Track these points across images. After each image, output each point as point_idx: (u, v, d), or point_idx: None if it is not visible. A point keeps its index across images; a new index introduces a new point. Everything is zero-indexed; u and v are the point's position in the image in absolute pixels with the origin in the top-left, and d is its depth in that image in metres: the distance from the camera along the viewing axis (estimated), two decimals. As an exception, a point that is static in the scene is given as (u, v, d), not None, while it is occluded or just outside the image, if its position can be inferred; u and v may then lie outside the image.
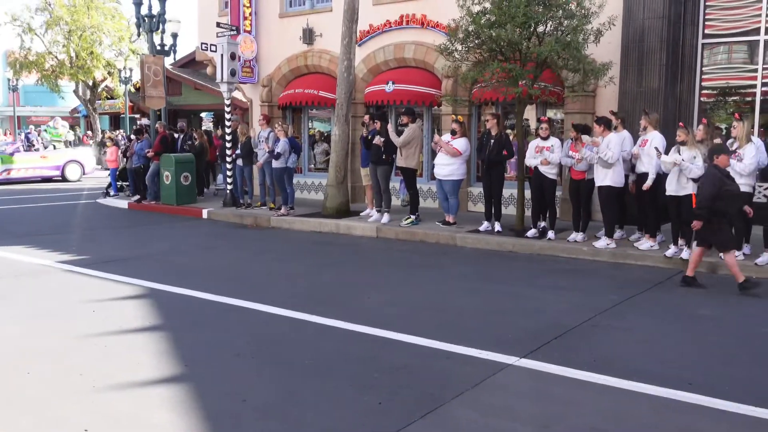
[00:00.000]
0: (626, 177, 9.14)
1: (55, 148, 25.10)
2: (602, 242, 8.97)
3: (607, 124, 8.93)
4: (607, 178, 8.83)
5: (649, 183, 8.58)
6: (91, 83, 30.19)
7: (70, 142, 31.59)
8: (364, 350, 5.22)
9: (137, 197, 15.15)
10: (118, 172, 16.73)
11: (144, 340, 5.43)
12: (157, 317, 6.12)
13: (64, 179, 22.08)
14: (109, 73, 29.59)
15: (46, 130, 27.59)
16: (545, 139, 9.58)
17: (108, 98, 31.40)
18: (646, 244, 8.82)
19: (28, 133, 29.84)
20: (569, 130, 9.84)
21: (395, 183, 12.81)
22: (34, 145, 23.17)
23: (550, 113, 12.31)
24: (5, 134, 32.56)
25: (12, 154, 21.28)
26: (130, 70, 28.12)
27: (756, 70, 10.41)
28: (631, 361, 4.94)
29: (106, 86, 30.89)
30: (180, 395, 4.27)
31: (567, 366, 4.76)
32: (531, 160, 9.67)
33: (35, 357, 4.98)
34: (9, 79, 34.47)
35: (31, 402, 4.13)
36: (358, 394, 4.32)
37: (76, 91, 31.11)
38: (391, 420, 3.91)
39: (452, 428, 3.83)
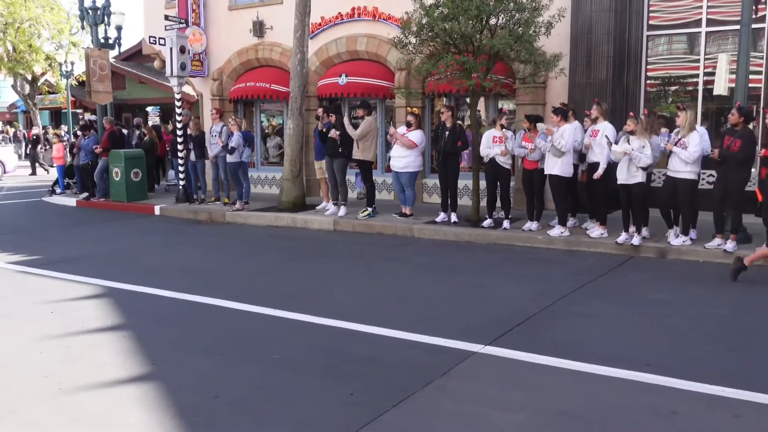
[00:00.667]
0: (576, 166, 9.39)
1: None
2: (556, 230, 9.21)
3: (564, 115, 9.14)
4: (556, 167, 9.06)
5: (599, 172, 8.83)
6: (30, 77, 29.22)
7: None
8: (331, 343, 5.26)
9: (86, 194, 14.79)
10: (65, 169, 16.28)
11: (107, 339, 5.34)
12: (118, 316, 6.03)
13: None
14: (49, 65, 28.67)
15: None
16: (503, 129, 9.76)
17: (49, 93, 30.44)
18: (597, 231, 9.09)
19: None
20: (521, 120, 10.04)
21: (351, 176, 12.85)
22: None
23: (503, 104, 12.52)
24: None
25: None
26: (72, 63, 27.32)
27: (698, 61, 10.82)
28: (592, 345, 5.12)
29: (47, 80, 29.94)
30: (150, 393, 4.24)
31: (531, 352, 4.90)
32: (487, 149, 9.83)
33: (-5, 361, 4.86)
34: (-61, 74, 33.04)
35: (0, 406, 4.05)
36: (330, 387, 4.36)
37: (14, 86, 30.06)
38: (365, 410, 3.97)
39: (425, 416, 3.92)
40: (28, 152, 26.83)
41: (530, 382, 4.40)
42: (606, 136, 8.66)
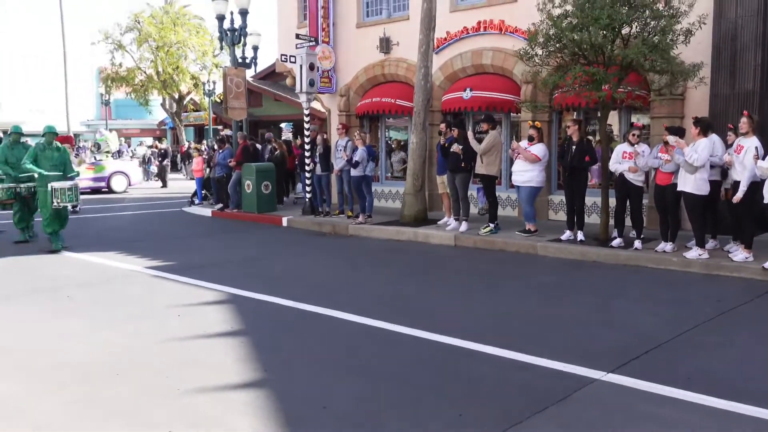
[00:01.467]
0: (719, 183, 8.69)
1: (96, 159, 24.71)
2: (694, 252, 8.54)
3: (704, 127, 8.48)
4: (688, 184, 8.40)
5: (739, 195, 8.10)
6: (177, 96, 31.41)
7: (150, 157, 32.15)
8: (444, 360, 5.13)
9: (220, 205, 15.58)
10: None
11: (225, 344, 5.51)
12: (239, 323, 6.22)
13: (110, 190, 22.33)
14: (194, 86, 30.71)
15: (97, 142, 28.20)
16: (634, 145, 9.22)
17: (193, 110, 32.56)
18: (740, 255, 8.32)
19: (120, 145, 31.23)
20: (657, 135, 9.43)
21: (473, 191, 12.66)
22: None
23: (635, 118, 11.87)
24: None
25: None
26: (214, 82, 29.10)
27: None
28: (730, 379, 4.64)
29: (192, 99, 32.05)
30: (261, 400, 4.30)
31: (659, 383, 4.51)
32: (616, 165, 9.33)
33: (125, 360, 5.14)
34: (101, 94, 36.31)
35: (121, 404, 4.25)
36: (438, 406, 4.22)
37: (163, 105, 32.44)
38: (473, 433, 3.80)
39: (537, 444, 3.69)
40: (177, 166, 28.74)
41: (655, 416, 4.03)
42: (755, 148, 7.93)
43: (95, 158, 24.11)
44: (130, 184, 23.13)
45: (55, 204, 10.10)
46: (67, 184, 10.29)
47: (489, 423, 3.93)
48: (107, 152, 24.60)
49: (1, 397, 4.37)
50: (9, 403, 4.28)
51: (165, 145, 28.35)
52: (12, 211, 11.36)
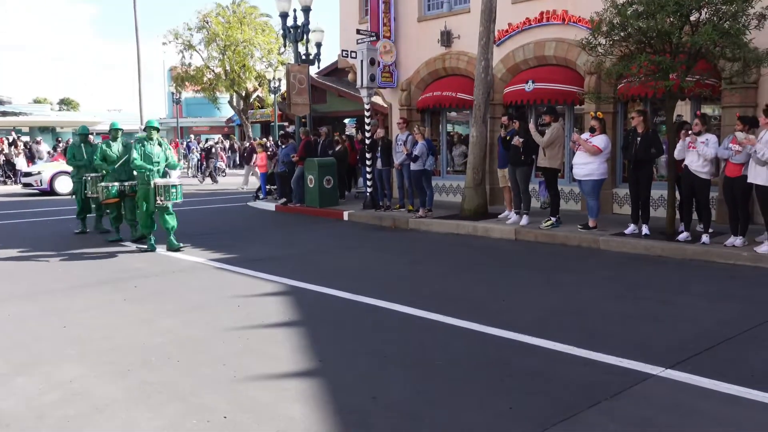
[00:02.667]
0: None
1: None
2: (765, 247, 8.17)
3: None
4: (759, 176, 8.03)
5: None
6: (243, 94, 32.10)
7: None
8: (498, 353, 5.10)
9: (284, 200, 15.87)
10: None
11: (283, 335, 5.63)
12: (297, 314, 6.34)
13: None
14: (259, 84, 31.32)
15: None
16: (697, 134, 8.89)
17: (259, 107, 33.23)
18: (818, 249, 7.92)
19: (189, 142, 32.18)
20: (734, 125, 9.04)
21: (534, 184, 12.48)
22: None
23: (706, 108, 11.43)
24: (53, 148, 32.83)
25: None
26: (279, 80, 29.59)
27: None
28: (797, 377, 4.44)
29: (258, 96, 32.70)
30: (313, 390, 4.38)
31: (720, 380, 4.35)
32: (681, 154, 9.03)
33: (186, 347, 5.33)
34: (172, 93, 37.50)
35: (180, 389, 4.41)
36: (489, 398, 4.21)
37: (230, 102, 33.24)
38: (522, 426, 3.77)
39: (588, 439, 3.63)
40: (238, 161, 29.17)
41: (713, 414, 3.90)
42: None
43: None
44: None
45: (159, 202, 9.73)
46: (171, 181, 9.97)
47: (540, 416, 3.89)
48: None
49: (64, 380, 4.61)
50: (72, 386, 4.50)
51: (212, 142, 28.87)
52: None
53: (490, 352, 5.12)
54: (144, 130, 10.47)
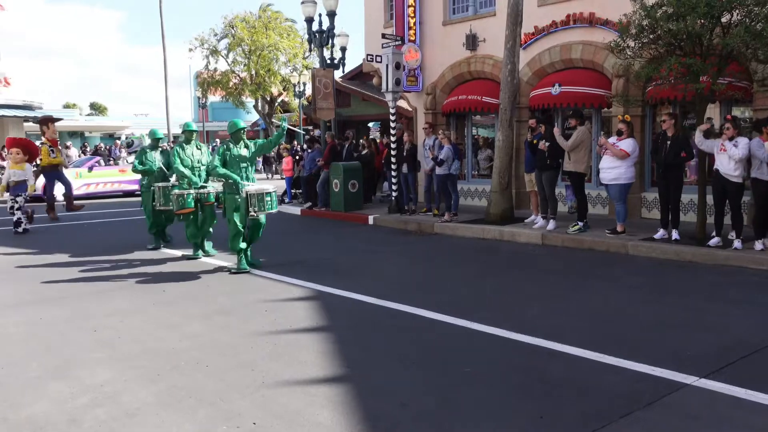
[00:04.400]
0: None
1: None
2: (800, 252, 8.01)
3: None
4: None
5: None
6: (268, 98, 32.31)
7: None
8: (527, 360, 5.04)
9: (309, 204, 15.92)
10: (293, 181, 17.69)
11: (310, 339, 5.64)
12: (324, 318, 6.34)
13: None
14: (284, 88, 31.50)
15: (132, 140, 26.97)
16: (731, 139, 8.74)
17: (283, 112, 33.42)
18: None
19: (215, 146, 32.37)
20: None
21: (561, 188, 12.37)
22: (113, 159, 22.79)
23: (736, 111, 11.24)
24: (82, 151, 31.50)
25: (90, 169, 20.98)
26: (304, 84, 29.73)
27: None
28: (836, 388, 4.32)
29: (282, 100, 32.89)
30: (341, 395, 4.37)
31: (755, 390, 4.26)
32: (700, 143, 8.88)
33: (214, 351, 5.35)
34: (198, 98, 37.88)
35: (209, 395, 4.43)
36: (519, 407, 4.16)
37: (255, 106, 33.46)
38: (554, 435, 3.72)
39: (621, 449, 3.57)
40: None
41: (751, 425, 3.81)
42: None
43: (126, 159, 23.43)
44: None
45: (252, 213, 8.46)
46: (265, 187, 8.53)
47: (571, 426, 3.84)
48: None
49: (97, 383, 4.65)
50: (104, 389, 4.55)
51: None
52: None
53: (519, 359, 5.07)
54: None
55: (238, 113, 41.41)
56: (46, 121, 15.96)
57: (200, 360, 5.13)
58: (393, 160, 13.88)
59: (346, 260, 9.73)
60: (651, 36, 9.45)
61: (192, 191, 9.33)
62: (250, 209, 8.43)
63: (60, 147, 15.93)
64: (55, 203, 15.40)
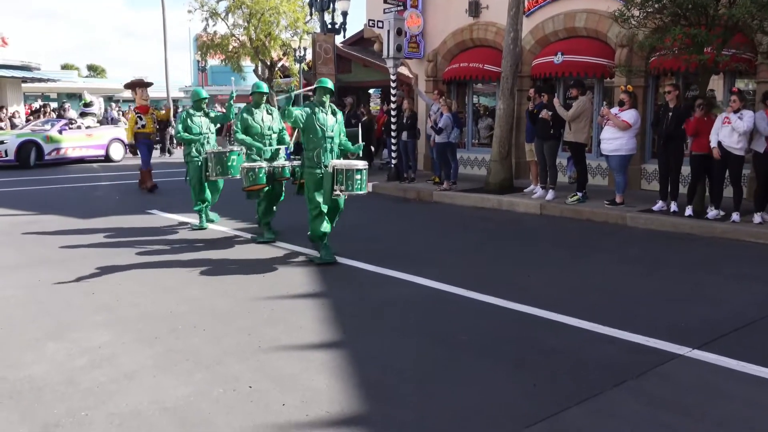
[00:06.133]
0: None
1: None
2: (798, 226, 8.02)
3: None
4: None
5: None
6: (269, 63, 31.96)
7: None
8: (522, 330, 5.08)
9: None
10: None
11: (308, 305, 5.67)
12: (322, 285, 6.37)
13: (107, 159, 20.18)
14: (284, 53, 31.15)
15: (85, 103, 23.88)
16: (736, 111, 8.67)
17: (282, 77, 33.10)
18: None
19: (214, 109, 32.10)
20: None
21: (562, 159, 12.33)
22: (73, 122, 20.64)
23: (739, 83, 11.15)
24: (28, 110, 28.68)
25: (60, 132, 19.23)
26: (305, 49, 29.36)
27: None
28: (828, 360, 4.37)
29: (283, 65, 32.54)
30: (337, 361, 4.41)
31: (747, 361, 4.30)
32: (714, 135, 8.83)
33: (211, 317, 5.38)
34: (198, 61, 37.49)
35: (206, 358, 4.46)
36: (513, 375, 4.21)
37: (255, 71, 33.10)
38: (545, 404, 3.76)
39: (610, 417, 3.61)
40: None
41: (740, 396, 3.86)
42: None
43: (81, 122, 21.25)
44: (126, 153, 20.22)
45: (338, 193, 6.99)
46: (355, 163, 6.96)
47: (565, 394, 3.88)
48: (93, 116, 22.60)
49: (95, 346, 4.69)
50: (102, 352, 4.58)
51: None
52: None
53: (515, 329, 5.10)
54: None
55: (236, 78, 41.03)
56: (135, 86, 14.03)
57: (198, 325, 5.16)
58: (393, 127, 13.79)
59: (344, 227, 9.71)
60: (656, 5, 9.34)
61: (264, 164, 7.97)
62: (335, 187, 6.93)
63: (152, 112, 13.68)
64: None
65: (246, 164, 7.98)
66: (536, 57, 13.39)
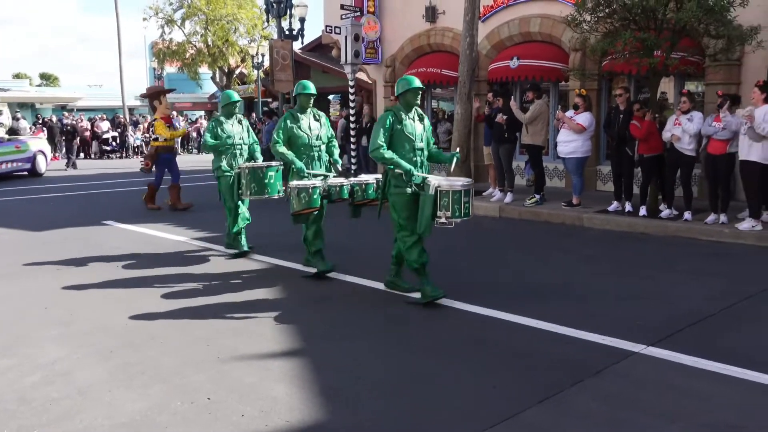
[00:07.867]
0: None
1: None
2: (746, 224, 8.26)
3: None
4: (752, 152, 8.09)
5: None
6: (226, 70, 31.74)
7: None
8: (481, 332, 5.12)
9: (267, 178, 15.70)
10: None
11: (267, 314, 5.61)
12: (282, 292, 6.33)
13: (33, 173, 18.76)
14: (242, 59, 30.97)
15: None
16: (685, 112, 8.90)
17: (240, 83, 32.89)
18: (798, 226, 8.01)
19: (173, 119, 31.69)
20: (711, 102, 9.08)
21: (520, 162, 12.49)
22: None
23: (689, 85, 11.45)
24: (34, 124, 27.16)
25: None
26: (262, 55, 29.24)
27: None
28: (776, 353, 4.50)
29: (240, 72, 32.36)
30: (298, 370, 4.38)
31: (700, 357, 4.41)
32: (666, 133, 9.06)
33: (169, 327, 5.30)
34: (154, 69, 36.98)
35: (163, 371, 4.38)
36: (473, 377, 4.23)
37: (213, 78, 32.84)
38: (505, 404, 3.80)
39: (568, 416, 3.66)
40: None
41: (695, 391, 3.95)
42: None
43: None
44: (48, 164, 19.81)
45: (443, 220, 5.61)
46: (457, 183, 5.67)
47: (524, 394, 3.92)
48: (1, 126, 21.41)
49: (48, 361, 4.57)
50: (56, 367, 4.47)
51: (68, 120, 25.60)
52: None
53: (475, 331, 5.14)
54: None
55: (193, 85, 40.55)
56: (159, 94, 12.39)
57: (155, 336, 5.07)
58: (352, 133, 13.80)
59: (297, 236, 9.66)
60: (607, 10, 9.53)
61: (318, 183, 6.55)
62: (440, 213, 5.60)
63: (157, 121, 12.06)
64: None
65: (297, 182, 6.49)
66: (493, 61, 13.55)
